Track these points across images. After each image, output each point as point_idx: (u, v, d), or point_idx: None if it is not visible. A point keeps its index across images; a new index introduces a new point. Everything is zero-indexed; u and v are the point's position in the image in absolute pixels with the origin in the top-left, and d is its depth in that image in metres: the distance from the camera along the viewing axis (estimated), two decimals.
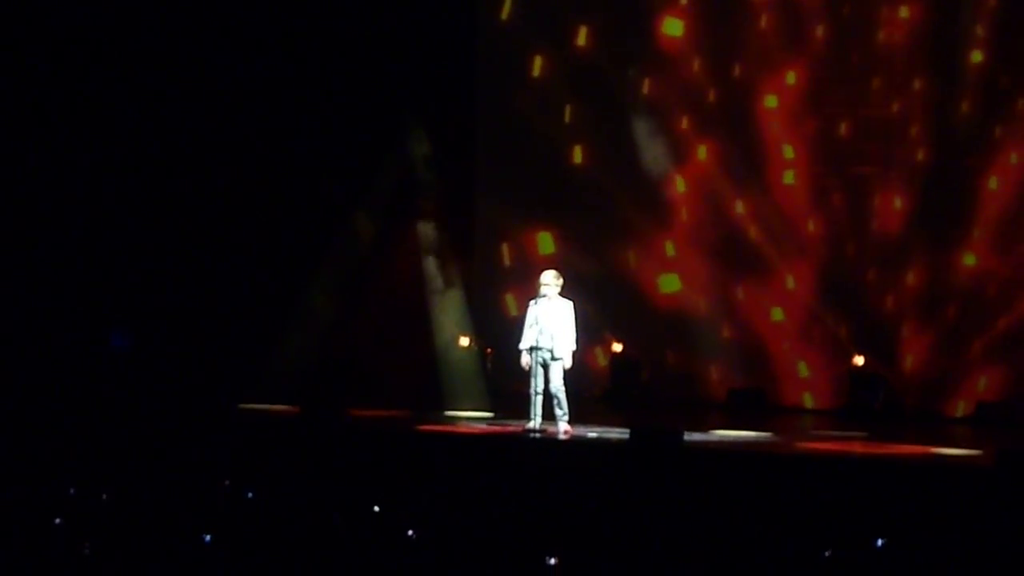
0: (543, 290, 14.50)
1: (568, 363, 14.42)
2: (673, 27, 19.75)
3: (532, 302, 14.57)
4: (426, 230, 20.12)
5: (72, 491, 9.54)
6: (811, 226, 19.08)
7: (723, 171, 19.38)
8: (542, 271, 14.74)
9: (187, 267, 19.68)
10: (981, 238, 18.25)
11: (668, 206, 19.77)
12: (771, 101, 19.24)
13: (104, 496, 9.40)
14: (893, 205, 18.65)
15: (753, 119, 19.30)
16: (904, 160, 18.61)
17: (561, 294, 14.53)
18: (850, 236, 18.92)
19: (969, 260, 18.28)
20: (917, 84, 18.60)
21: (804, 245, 19.13)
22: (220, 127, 19.63)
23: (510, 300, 19.91)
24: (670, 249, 19.79)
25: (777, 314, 19.26)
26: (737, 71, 19.41)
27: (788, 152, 19.19)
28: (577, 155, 20.13)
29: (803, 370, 19.15)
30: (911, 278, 18.60)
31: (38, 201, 19.16)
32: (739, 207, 19.36)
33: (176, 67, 19.47)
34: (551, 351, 14.38)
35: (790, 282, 19.14)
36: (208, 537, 7.75)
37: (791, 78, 19.15)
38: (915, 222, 18.54)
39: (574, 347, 14.46)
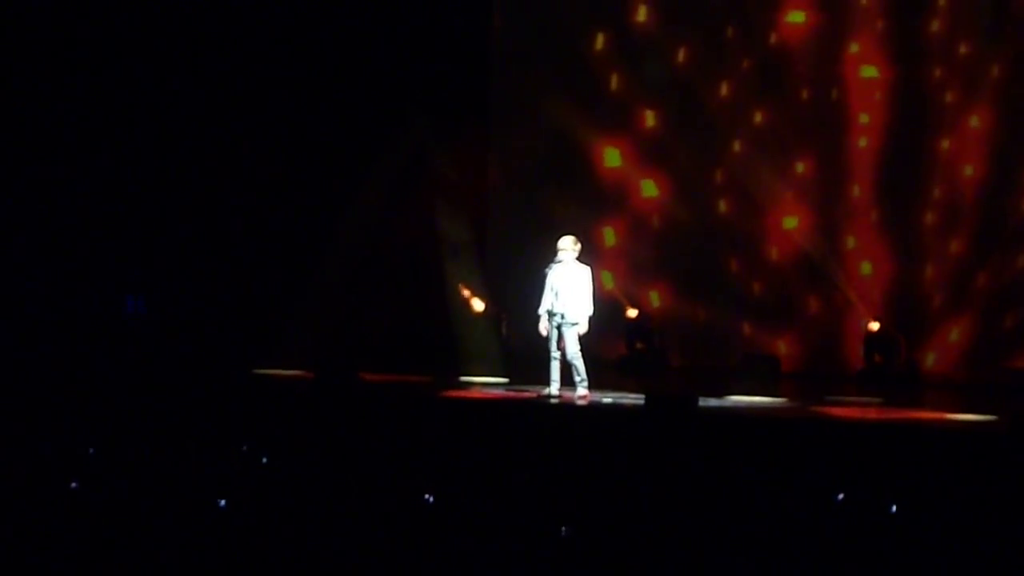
0: (560, 255, 14.48)
1: (583, 329, 14.41)
2: None
3: (549, 267, 14.56)
4: (441, 196, 20.06)
5: (88, 456, 9.56)
6: (857, 191, 18.94)
7: (769, 135, 19.27)
8: (560, 236, 14.71)
9: (201, 232, 19.67)
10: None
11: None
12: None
13: (119, 462, 9.42)
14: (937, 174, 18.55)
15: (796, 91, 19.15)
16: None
17: (579, 259, 14.52)
18: (877, 202, 18.82)
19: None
20: None
21: (834, 210, 19.02)
22: (234, 91, 19.60)
23: (526, 265, 19.90)
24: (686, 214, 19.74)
25: (794, 279, 19.19)
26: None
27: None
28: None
29: (819, 335, 19.09)
30: (938, 245, 18.54)
31: (53, 166, 19.15)
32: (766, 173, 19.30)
33: (194, 30, 19.44)
34: (563, 315, 14.38)
35: (808, 247, 19.05)
36: (223, 502, 7.77)
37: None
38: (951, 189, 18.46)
39: (590, 312, 14.44)
